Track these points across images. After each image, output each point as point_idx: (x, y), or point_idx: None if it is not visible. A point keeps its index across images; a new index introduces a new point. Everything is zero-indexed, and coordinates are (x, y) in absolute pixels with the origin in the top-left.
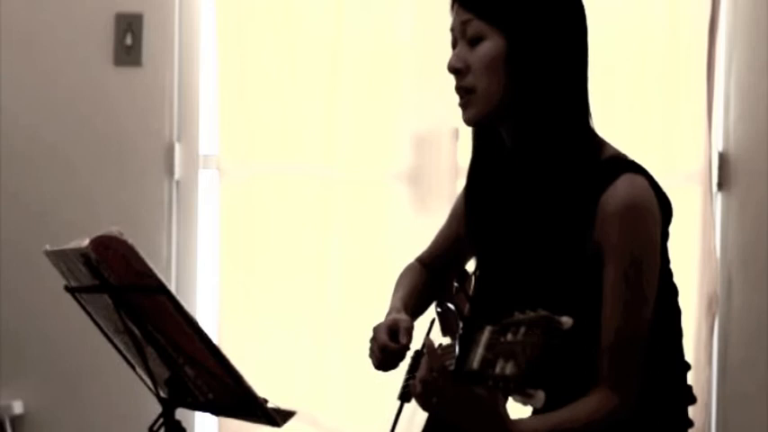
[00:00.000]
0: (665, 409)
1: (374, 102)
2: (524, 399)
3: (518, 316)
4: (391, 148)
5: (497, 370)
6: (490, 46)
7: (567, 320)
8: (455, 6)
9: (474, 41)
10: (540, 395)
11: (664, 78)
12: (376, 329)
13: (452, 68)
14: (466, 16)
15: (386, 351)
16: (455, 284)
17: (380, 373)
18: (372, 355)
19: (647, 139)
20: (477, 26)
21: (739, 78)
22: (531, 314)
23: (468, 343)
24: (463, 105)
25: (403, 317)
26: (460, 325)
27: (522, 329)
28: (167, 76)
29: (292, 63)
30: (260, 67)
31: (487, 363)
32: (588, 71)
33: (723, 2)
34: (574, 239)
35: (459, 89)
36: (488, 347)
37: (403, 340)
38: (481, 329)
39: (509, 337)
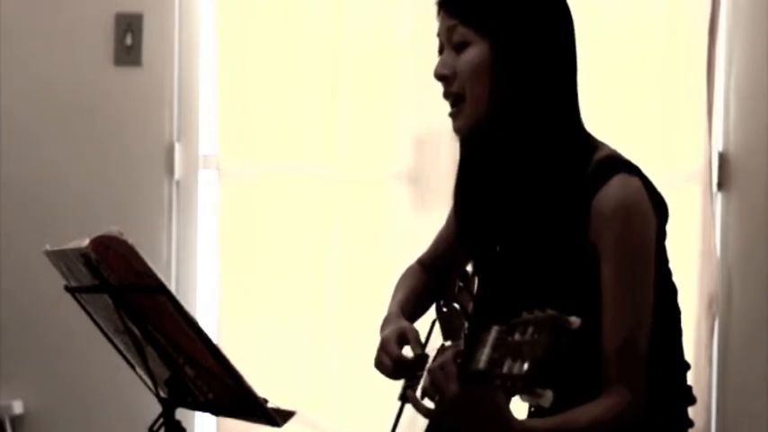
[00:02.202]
0: (665, 410)
1: (374, 102)
2: (532, 398)
3: (526, 316)
4: (391, 148)
5: (505, 369)
6: (475, 52)
7: (575, 320)
8: (441, 12)
9: (459, 47)
10: (549, 394)
11: (664, 78)
12: (385, 341)
13: (439, 75)
14: (451, 22)
15: (399, 363)
16: (459, 284)
17: (381, 373)
18: (382, 367)
19: (647, 139)
20: (462, 32)
21: (739, 78)
22: (540, 314)
23: (473, 343)
24: (454, 115)
25: (405, 324)
26: (466, 325)
27: (531, 329)
28: (167, 76)
29: (292, 63)
30: (260, 67)
31: (494, 362)
32: (577, 72)
33: (723, 2)
34: (569, 240)
35: (447, 95)
36: (495, 347)
37: (417, 350)
38: (487, 330)
39: (516, 336)
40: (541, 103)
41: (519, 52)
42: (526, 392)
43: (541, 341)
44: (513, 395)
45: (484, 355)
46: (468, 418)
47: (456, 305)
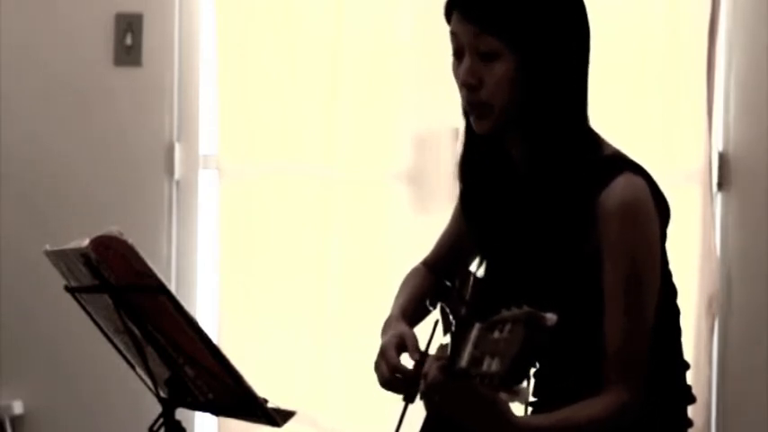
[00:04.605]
0: (664, 409)
1: (374, 102)
2: (509, 395)
3: (504, 313)
4: (391, 148)
5: (484, 367)
6: (507, 65)
7: (551, 317)
8: (459, 15)
9: (487, 57)
10: (525, 392)
11: (664, 78)
12: (384, 348)
13: (467, 84)
14: (476, 29)
15: (397, 372)
16: (447, 284)
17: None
18: (380, 373)
19: (647, 139)
20: (490, 42)
21: (739, 78)
22: (516, 311)
23: (460, 341)
24: (478, 117)
25: (405, 330)
26: (453, 323)
27: (508, 326)
28: (167, 76)
29: (292, 63)
30: (260, 67)
31: (475, 360)
32: (588, 73)
33: (723, 2)
34: (573, 238)
35: (473, 104)
36: (476, 345)
37: (416, 358)
38: (471, 327)
39: (496, 334)
40: (560, 106)
41: (547, 64)
42: (502, 390)
43: (517, 338)
44: (495, 392)
45: (466, 353)
46: (467, 413)
47: (444, 305)
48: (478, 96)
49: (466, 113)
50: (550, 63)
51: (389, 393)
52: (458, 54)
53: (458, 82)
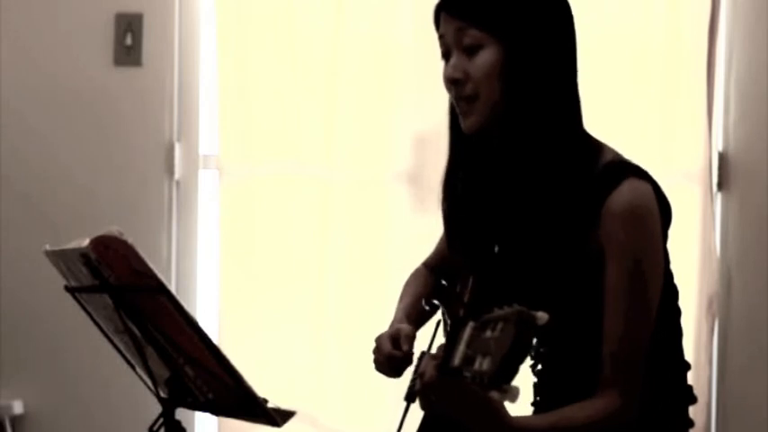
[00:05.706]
0: (665, 410)
1: (374, 102)
2: (500, 395)
3: (497, 312)
4: (391, 148)
5: (476, 366)
6: (490, 54)
7: (542, 315)
8: (444, 15)
9: (471, 50)
10: (515, 391)
11: (664, 78)
12: (379, 340)
13: (452, 79)
14: (459, 24)
15: (392, 360)
16: (443, 282)
17: (380, 373)
18: (379, 366)
19: (647, 139)
20: (473, 35)
21: (739, 78)
22: (507, 309)
23: (454, 340)
24: (465, 113)
25: (404, 326)
26: (448, 323)
27: (500, 325)
28: (167, 76)
29: (292, 63)
30: (260, 67)
31: (468, 359)
32: (577, 72)
33: (723, 2)
34: (576, 242)
35: (459, 98)
36: (469, 344)
37: (404, 347)
38: (464, 326)
39: (488, 333)
40: (550, 102)
41: (531, 53)
42: (493, 389)
43: (507, 337)
44: (486, 391)
45: (459, 352)
46: (462, 413)
47: (437, 303)
48: (465, 90)
49: (451, 120)
50: (534, 53)
51: (389, 393)
52: (446, 57)
53: (445, 84)
